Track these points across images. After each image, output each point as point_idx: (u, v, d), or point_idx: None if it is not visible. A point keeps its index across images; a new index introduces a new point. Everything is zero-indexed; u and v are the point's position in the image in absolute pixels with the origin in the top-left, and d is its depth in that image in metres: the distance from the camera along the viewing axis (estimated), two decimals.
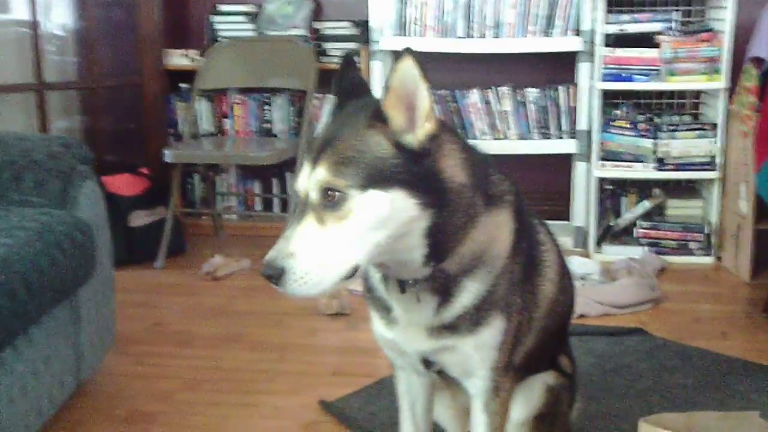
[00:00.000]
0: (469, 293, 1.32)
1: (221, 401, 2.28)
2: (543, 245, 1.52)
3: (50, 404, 1.99)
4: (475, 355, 1.38)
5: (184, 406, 2.25)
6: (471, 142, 1.36)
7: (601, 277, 3.22)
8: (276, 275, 1.17)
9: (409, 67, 1.17)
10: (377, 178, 1.17)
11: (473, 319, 1.34)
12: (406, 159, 1.19)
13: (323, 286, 1.18)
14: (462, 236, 1.27)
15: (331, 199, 1.18)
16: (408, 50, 1.17)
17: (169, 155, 3.45)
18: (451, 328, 1.35)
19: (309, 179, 1.21)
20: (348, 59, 1.38)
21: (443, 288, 1.31)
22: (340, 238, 1.18)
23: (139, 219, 3.57)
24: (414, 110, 1.19)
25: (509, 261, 1.36)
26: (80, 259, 2.03)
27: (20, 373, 1.84)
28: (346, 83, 1.34)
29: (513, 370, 1.46)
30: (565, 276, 1.61)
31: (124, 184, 3.61)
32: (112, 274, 2.37)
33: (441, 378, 1.54)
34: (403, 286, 1.32)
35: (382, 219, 1.18)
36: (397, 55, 1.19)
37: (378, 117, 1.20)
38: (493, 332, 1.36)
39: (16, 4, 3.74)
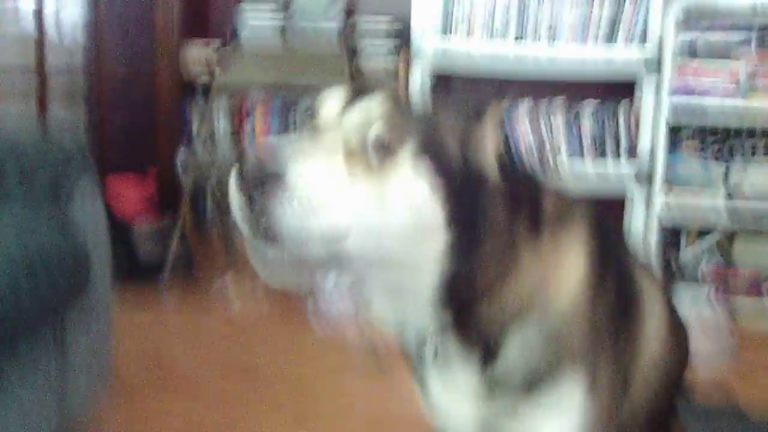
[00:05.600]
0: (519, 345, 1.00)
1: None
2: (641, 286, 1.13)
3: None
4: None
5: None
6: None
7: None
8: (265, 178, 0.82)
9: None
10: (427, 155, 0.90)
11: (535, 377, 1.01)
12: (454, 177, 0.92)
13: (316, 222, 0.84)
14: (499, 271, 0.96)
15: (379, 149, 0.88)
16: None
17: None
18: (507, 384, 1.02)
19: (355, 110, 0.91)
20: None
21: (482, 338, 1.00)
22: (365, 188, 0.87)
23: (141, 230, 3.16)
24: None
25: (584, 298, 1.01)
26: (69, 272, 1.60)
27: None
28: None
29: None
30: (675, 331, 1.20)
31: (126, 188, 3.20)
32: (109, 296, 1.88)
33: None
34: (423, 345, 1.02)
35: (408, 209, 0.89)
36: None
37: (475, 121, 0.95)
38: (571, 396, 1.02)
39: None
